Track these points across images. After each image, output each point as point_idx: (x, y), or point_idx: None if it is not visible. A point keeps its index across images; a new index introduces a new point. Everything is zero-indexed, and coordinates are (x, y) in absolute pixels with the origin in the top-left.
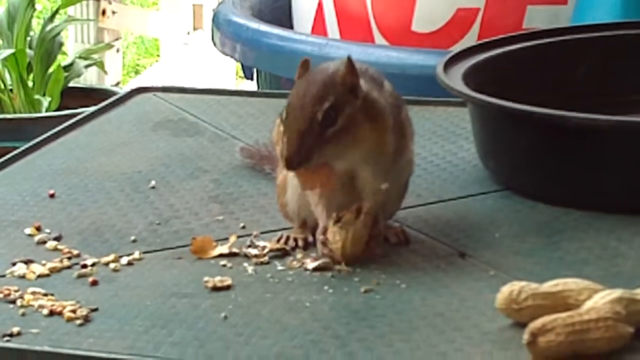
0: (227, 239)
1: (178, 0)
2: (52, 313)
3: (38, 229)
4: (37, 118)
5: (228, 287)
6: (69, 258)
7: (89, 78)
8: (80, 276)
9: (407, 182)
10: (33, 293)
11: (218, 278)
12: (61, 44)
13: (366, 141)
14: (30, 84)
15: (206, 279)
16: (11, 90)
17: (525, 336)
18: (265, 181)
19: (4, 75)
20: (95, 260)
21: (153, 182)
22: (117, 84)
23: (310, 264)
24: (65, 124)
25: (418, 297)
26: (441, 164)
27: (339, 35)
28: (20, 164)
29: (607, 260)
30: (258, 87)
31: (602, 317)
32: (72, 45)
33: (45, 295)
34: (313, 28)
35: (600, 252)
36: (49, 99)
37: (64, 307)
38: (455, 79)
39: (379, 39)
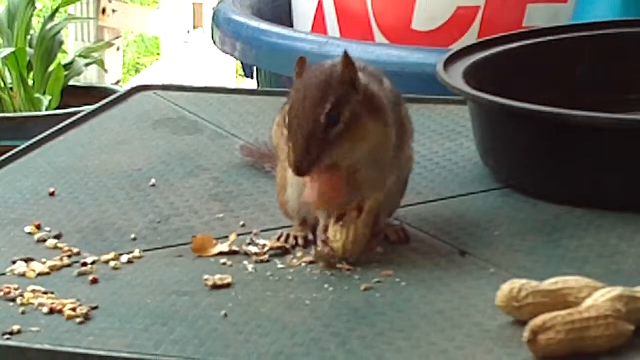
0: (227, 237)
1: None
2: (52, 311)
3: (38, 227)
4: (37, 117)
5: (228, 285)
6: (69, 256)
7: (89, 77)
8: (80, 274)
9: (407, 179)
10: (33, 291)
11: (218, 276)
12: (61, 43)
13: (369, 135)
14: (30, 82)
15: (206, 277)
16: (11, 89)
17: (526, 334)
18: (265, 179)
19: (4, 74)
20: (96, 258)
21: (153, 180)
22: (117, 83)
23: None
24: (66, 123)
25: (418, 295)
26: (441, 162)
27: (339, 33)
28: (20, 162)
29: (608, 258)
30: (258, 86)
31: (603, 315)
32: (72, 43)
33: (46, 293)
34: (313, 26)
35: (600, 250)
36: (49, 97)
37: (64, 306)
38: (455, 77)
39: (379, 37)
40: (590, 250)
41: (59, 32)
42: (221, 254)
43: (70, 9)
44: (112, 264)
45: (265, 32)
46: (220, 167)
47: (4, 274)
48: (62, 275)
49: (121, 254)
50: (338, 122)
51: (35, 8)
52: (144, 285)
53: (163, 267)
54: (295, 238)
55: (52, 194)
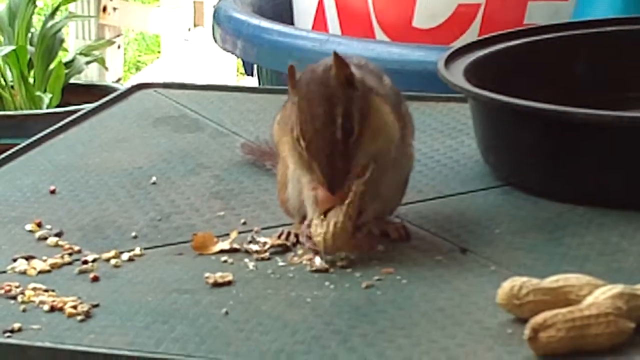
0: (228, 234)
1: None
2: (53, 309)
3: (39, 225)
4: (38, 115)
5: (229, 283)
6: (70, 254)
7: (89, 74)
8: (81, 272)
9: (408, 177)
10: (34, 289)
11: (219, 274)
12: (62, 41)
13: (380, 122)
14: (31, 80)
15: (207, 274)
16: (12, 87)
17: (526, 331)
18: (266, 177)
19: (5, 72)
20: (96, 256)
21: (154, 178)
22: (118, 81)
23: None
24: (66, 120)
25: (419, 292)
26: (442, 159)
27: (339, 31)
28: (21, 160)
29: (609, 256)
30: (259, 83)
31: (603, 313)
32: (73, 41)
33: (46, 291)
34: (314, 24)
35: (601, 248)
36: (50, 95)
37: (65, 303)
38: (456, 75)
39: (379, 34)
40: (592, 248)
41: (59, 30)
42: (222, 251)
43: (71, 6)
44: (112, 261)
45: (266, 29)
46: (221, 164)
47: (4, 272)
48: (62, 273)
49: (122, 252)
50: (352, 129)
51: (35, 6)
52: (144, 283)
53: (164, 265)
54: (296, 236)
55: (52, 192)
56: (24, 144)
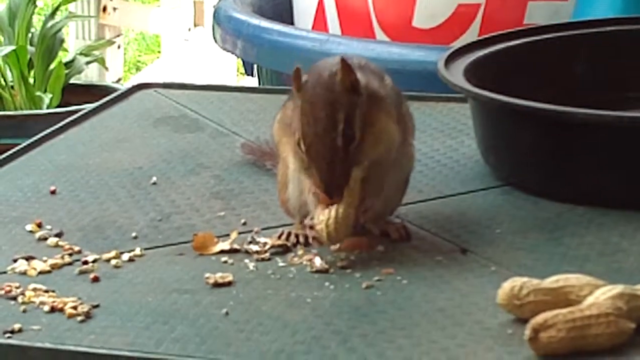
0: (228, 235)
1: None
2: (53, 309)
3: (39, 225)
4: (38, 115)
5: (229, 284)
6: (70, 254)
7: (90, 74)
8: (81, 272)
9: (408, 177)
10: (34, 289)
11: (219, 274)
12: (62, 41)
13: (382, 131)
14: (31, 80)
15: (207, 275)
16: (12, 87)
17: (527, 332)
18: (266, 177)
19: (5, 72)
20: (97, 256)
21: (154, 178)
22: (118, 81)
23: (317, 260)
24: (66, 121)
25: (419, 293)
26: (442, 159)
27: (339, 31)
28: (21, 161)
29: (609, 256)
30: (259, 83)
31: (604, 313)
32: (73, 41)
33: (47, 291)
34: (314, 24)
35: (601, 248)
36: (50, 95)
37: (65, 304)
38: (456, 75)
39: (379, 34)
40: (592, 248)
41: (59, 30)
42: (222, 252)
43: (71, 6)
44: (113, 262)
45: (266, 29)
46: (221, 165)
47: (4, 272)
48: (63, 274)
49: (122, 252)
50: (354, 136)
51: (36, 6)
52: (145, 284)
53: (164, 265)
54: (297, 236)
55: (53, 192)
56: (24, 144)
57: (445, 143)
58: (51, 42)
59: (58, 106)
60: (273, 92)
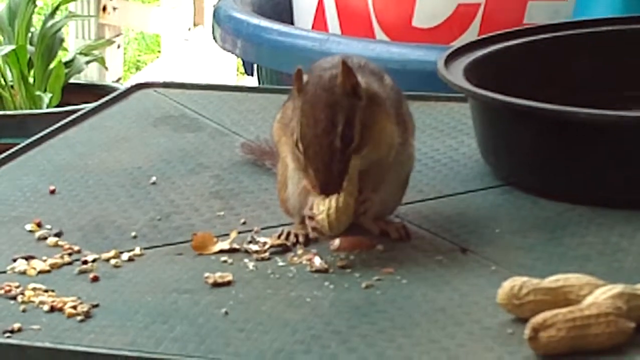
0: (227, 234)
1: None
2: (52, 309)
3: (39, 225)
4: (38, 114)
5: (229, 283)
6: (70, 254)
7: (89, 74)
8: (81, 272)
9: (408, 177)
10: (34, 289)
11: (219, 274)
12: (62, 40)
13: (380, 134)
14: (31, 80)
15: (207, 274)
16: (12, 86)
17: (527, 331)
18: (266, 177)
19: (4, 71)
20: (96, 256)
21: (154, 178)
22: (118, 80)
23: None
24: (66, 120)
25: (419, 292)
26: (442, 159)
27: (339, 30)
28: (20, 160)
29: (609, 256)
30: (259, 83)
31: (603, 313)
32: (72, 41)
33: (46, 291)
34: (314, 23)
35: (601, 247)
36: (49, 95)
37: (65, 303)
38: (456, 75)
39: (379, 34)
40: (591, 248)
41: (59, 29)
42: (222, 251)
43: (71, 6)
44: (112, 261)
45: (266, 29)
46: (220, 164)
47: (4, 272)
48: (62, 273)
49: (122, 252)
50: (352, 138)
51: (35, 5)
52: (144, 283)
53: (163, 265)
54: (296, 235)
55: (52, 192)
56: (23, 144)
57: (445, 143)
58: (51, 42)
59: (58, 106)
60: (273, 92)
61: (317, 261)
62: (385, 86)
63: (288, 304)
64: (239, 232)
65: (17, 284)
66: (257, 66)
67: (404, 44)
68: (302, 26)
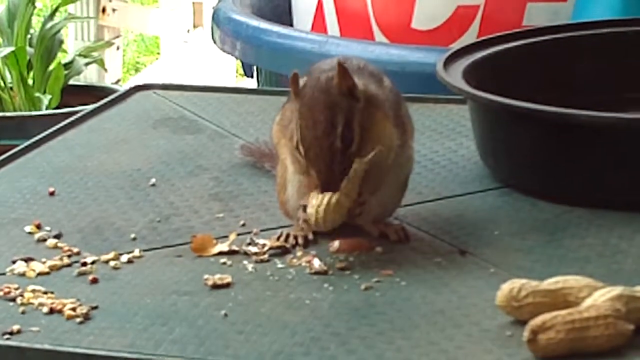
0: (227, 236)
1: None
2: (52, 311)
3: (38, 226)
4: (37, 116)
5: (228, 285)
6: (69, 256)
7: (89, 76)
8: (80, 274)
9: (407, 179)
10: (33, 291)
11: (218, 276)
12: (61, 42)
13: (379, 135)
14: (30, 81)
15: (206, 276)
16: (11, 88)
17: (526, 333)
18: (265, 179)
19: (4, 73)
20: (95, 258)
21: (153, 180)
22: (117, 82)
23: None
24: (65, 122)
25: (418, 294)
26: (441, 161)
27: (338, 32)
28: (20, 162)
29: (608, 258)
30: (258, 85)
31: (602, 315)
32: (72, 43)
33: (45, 293)
34: (313, 25)
35: (601, 249)
36: (49, 96)
37: (64, 305)
38: (455, 76)
39: (378, 36)
40: (591, 250)
41: (58, 31)
42: (221, 253)
43: (70, 8)
44: (111, 263)
45: (265, 31)
46: (220, 166)
47: (3, 274)
48: (62, 275)
49: (121, 254)
50: (352, 139)
51: (35, 7)
52: (143, 285)
53: (163, 267)
54: (295, 237)
55: (51, 194)
56: (23, 146)
57: (444, 145)
58: (50, 43)
59: (57, 107)
60: (272, 94)
61: (317, 263)
62: (384, 88)
63: (287, 305)
64: (238, 234)
65: (16, 285)
66: (257, 68)
67: (403, 46)
68: (301, 28)
